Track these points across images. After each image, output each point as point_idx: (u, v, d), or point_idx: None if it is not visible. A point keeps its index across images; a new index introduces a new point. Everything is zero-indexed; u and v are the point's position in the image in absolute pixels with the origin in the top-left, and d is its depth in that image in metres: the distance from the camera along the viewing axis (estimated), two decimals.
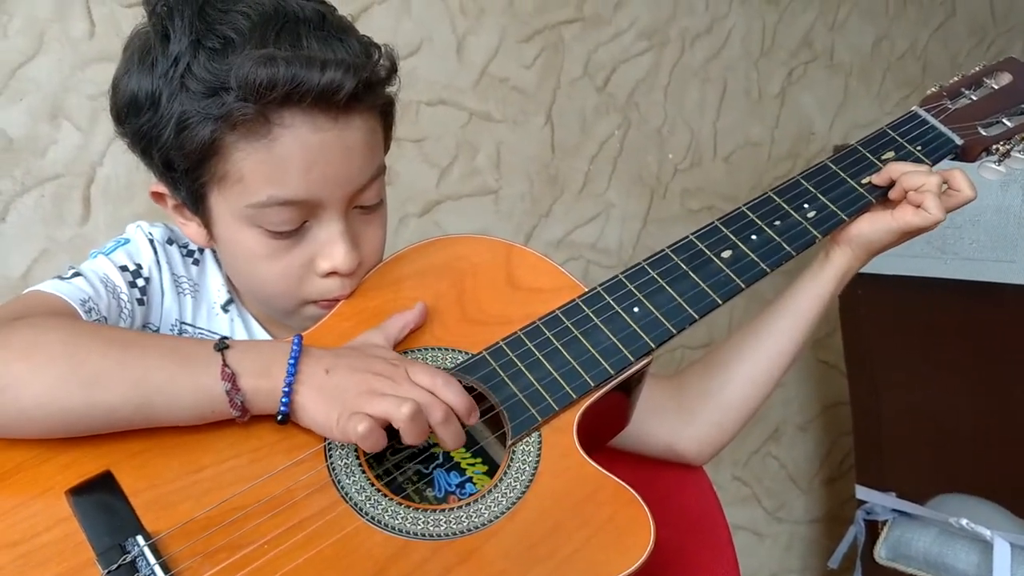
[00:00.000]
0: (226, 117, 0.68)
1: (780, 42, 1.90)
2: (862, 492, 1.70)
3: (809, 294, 0.87)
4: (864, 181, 0.83)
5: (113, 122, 0.76)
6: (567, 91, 1.63)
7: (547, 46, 1.60)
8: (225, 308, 0.84)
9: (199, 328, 0.83)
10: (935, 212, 0.80)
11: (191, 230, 0.80)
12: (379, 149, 0.77)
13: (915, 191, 0.80)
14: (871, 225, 0.83)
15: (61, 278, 0.75)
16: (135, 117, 0.72)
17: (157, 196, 0.79)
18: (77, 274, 0.76)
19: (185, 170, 0.72)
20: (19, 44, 1.15)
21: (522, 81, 1.58)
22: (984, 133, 0.87)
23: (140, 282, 0.79)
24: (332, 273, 0.76)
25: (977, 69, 0.93)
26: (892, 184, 0.83)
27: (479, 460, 0.76)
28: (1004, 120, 0.87)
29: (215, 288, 0.85)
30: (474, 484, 0.75)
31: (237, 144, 0.70)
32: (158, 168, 0.75)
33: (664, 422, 0.90)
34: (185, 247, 0.85)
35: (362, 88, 0.70)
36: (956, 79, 0.92)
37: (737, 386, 0.89)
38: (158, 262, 0.81)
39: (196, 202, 0.75)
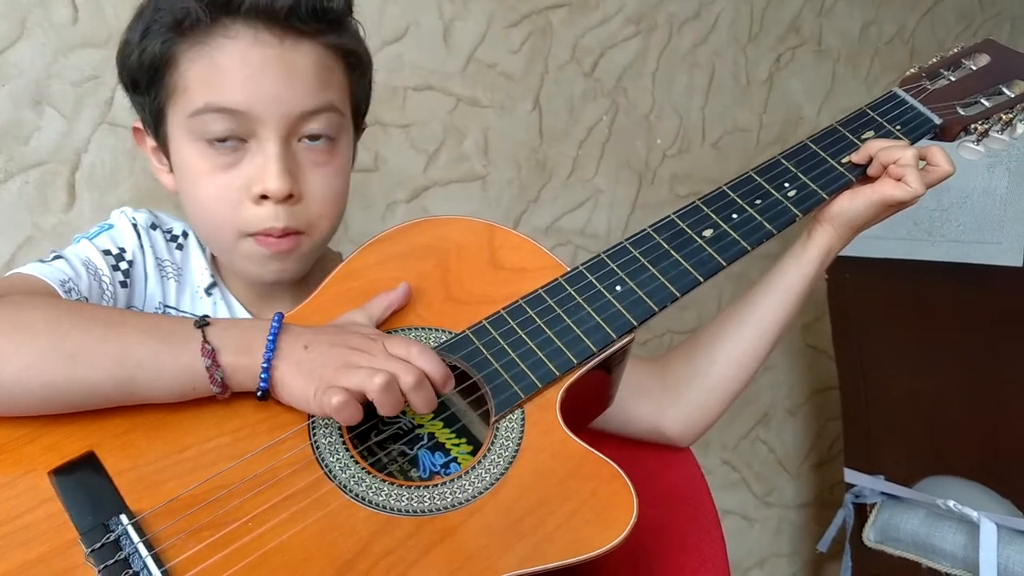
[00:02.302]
0: (177, 25, 0.73)
1: (768, 27, 1.90)
2: (851, 476, 1.71)
3: (792, 274, 0.88)
4: (844, 160, 0.84)
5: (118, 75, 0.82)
6: (555, 76, 1.63)
7: (534, 31, 1.60)
8: (208, 291, 0.85)
9: (183, 311, 0.84)
10: (915, 185, 0.80)
11: (165, 178, 0.83)
12: (334, 87, 0.78)
13: (894, 164, 0.81)
14: (851, 201, 0.83)
15: (42, 261, 0.75)
16: (121, 56, 0.79)
17: (137, 133, 0.85)
18: (58, 257, 0.76)
19: (146, 86, 0.77)
20: (0, 29, 1.14)
21: (509, 66, 1.58)
22: (963, 113, 0.88)
23: (123, 265, 0.79)
24: (264, 198, 0.76)
25: (955, 50, 0.94)
26: (871, 162, 0.83)
27: (463, 440, 0.76)
28: (982, 100, 0.88)
29: (199, 272, 0.85)
30: (458, 464, 0.75)
31: (186, 55, 0.74)
32: (130, 95, 0.81)
33: (648, 403, 0.91)
34: (169, 232, 0.85)
35: (306, 10, 0.73)
36: (935, 60, 0.93)
37: (721, 367, 0.89)
38: (141, 246, 0.82)
39: (156, 125, 0.79)
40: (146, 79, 0.76)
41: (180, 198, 0.83)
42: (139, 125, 0.83)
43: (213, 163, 0.76)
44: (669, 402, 0.91)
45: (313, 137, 0.77)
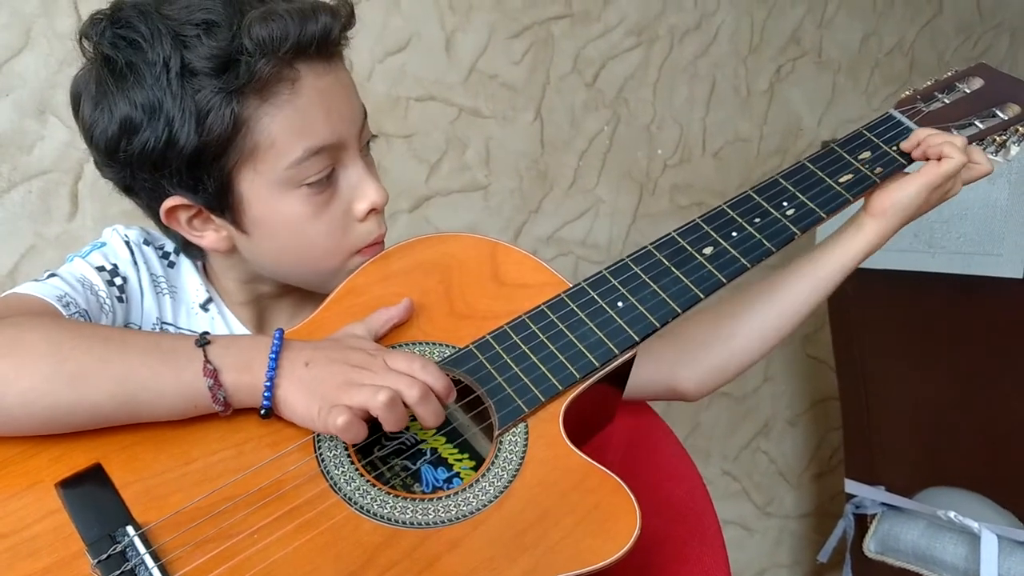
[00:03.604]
0: (250, 83, 0.70)
1: (768, 39, 1.91)
2: (851, 486, 1.71)
3: (834, 262, 0.88)
4: (886, 150, 0.86)
5: (102, 166, 0.76)
6: (556, 87, 1.64)
7: (536, 42, 1.60)
8: (205, 307, 0.85)
9: (180, 328, 0.84)
10: (957, 156, 0.82)
11: (208, 239, 0.79)
12: None
13: (936, 147, 0.83)
14: (900, 191, 0.85)
15: (36, 280, 0.75)
16: (131, 138, 0.72)
17: (170, 214, 0.78)
18: (52, 275, 0.76)
19: (212, 160, 0.72)
20: (5, 39, 1.15)
21: (511, 77, 1.59)
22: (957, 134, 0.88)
23: (118, 280, 0.79)
24: (370, 212, 0.79)
25: (949, 74, 0.95)
26: (913, 152, 0.86)
27: (466, 455, 0.76)
28: (976, 122, 0.89)
29: (193, 288, 0.85)
30: (460, 479, 0.75)
31: (261, 109, 0.72)
32: (177, 176, 0.73)
33: (663, 367, 0.92)
34: (161, 248, 0.85)
35: (339, 32, 0.75)
36: (929, 83, 0.95)
37: (743, 338, 0.91)
38: (135, 262, 0.82)
39: (222, 195, 0.75)
40: (215, 151, 0.72)
41: (257, 249, 0.80)
42: (174, 203, 0.76)
43: (316, 203, 0.76)
44: (686, 363, 0.92)
45: (367, 142, 0.81)
